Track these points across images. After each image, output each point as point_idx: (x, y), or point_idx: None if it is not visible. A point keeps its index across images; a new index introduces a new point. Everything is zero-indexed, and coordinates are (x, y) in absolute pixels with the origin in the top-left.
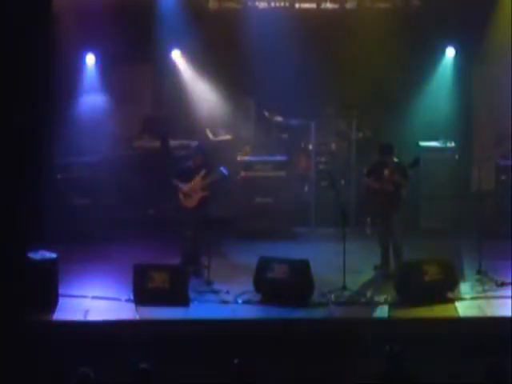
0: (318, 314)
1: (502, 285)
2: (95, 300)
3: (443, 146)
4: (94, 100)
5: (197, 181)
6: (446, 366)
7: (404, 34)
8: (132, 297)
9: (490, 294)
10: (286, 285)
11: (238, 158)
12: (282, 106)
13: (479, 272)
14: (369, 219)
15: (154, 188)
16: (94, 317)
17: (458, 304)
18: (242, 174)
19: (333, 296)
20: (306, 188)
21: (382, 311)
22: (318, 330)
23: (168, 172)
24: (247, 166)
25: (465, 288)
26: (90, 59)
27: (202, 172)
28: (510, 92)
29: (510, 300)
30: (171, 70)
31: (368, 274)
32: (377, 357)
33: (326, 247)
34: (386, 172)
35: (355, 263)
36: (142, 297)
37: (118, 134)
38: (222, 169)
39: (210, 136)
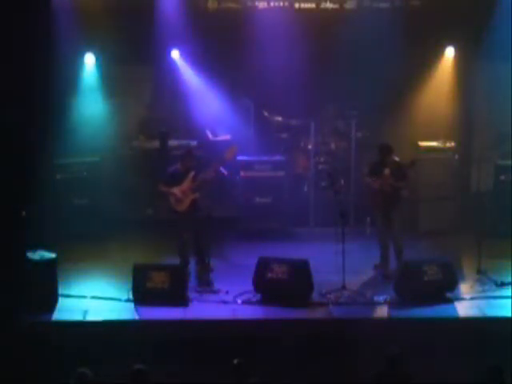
0: (318, 314)
1: (502, 285)
2: (94, 300)
3: (443, 145)
4: (94, 100)
5: (186, 184)
6: (446, 365)
7: (404, 34)
8: (131, 297)
9: (489, 294)
10: (286, 285)
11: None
12: (282, 106)
13: (479, 272)
14: (368, 219)
15: (153, 188)
16: (93, 317)
17: (457, 304)
18: (242, 174)
19: (332, 296)
20: (306, 188)
21: (382, 311)
22: (317, 330)
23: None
24: (247, 166)
25: (464, 288)
26: (90, 59)
27: (191, 174)
28: (510, 92)
29: (509, 300)
30: (171, 69)
31: (368, 274)
32: (376, 357)
33: (325, 247)
34: (386, 171)
35: (355, 263)
36: (141, 297)
37: (118, 134)
38: (221, 169)
39: (210, 136)
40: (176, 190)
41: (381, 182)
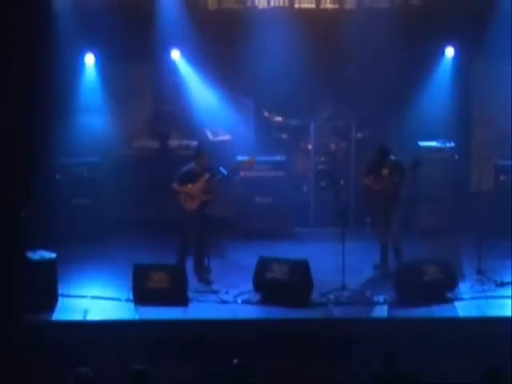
0: (318, 313)
1: (502, 285)
2: (95, 300)
3: (442, 145)
4: (94, 100)
5: (200, 184)
6: (446, 365)
7: (404, 34)
8: (131, 297)
9: (489, 293)
10: (286, 285)
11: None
12: (282, 106)
13: (479, 272)
14: (368, 219)
15: (153, 188)
16: (93, 317)
17: (457, 304)
18: (242, 174)
19: (332, 296)
20: (306, 188)
21: (382, 311)
22: (317, 330)
23: (168, 172)
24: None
25: (464, 288)
26: (90, 59)
27: (207, 175)
28: (510, 92)
29: (509, 300)
30: (171, 69)
31: (367, 274)
32: (376, 357)
33: (325, 247)
34: (385, 172)
35: (355, 263)
36: (141, 297)
37: (118, 134)
38: (221, 169)
39: (210, 136)
40: (187, 189)
41: (381, 182)
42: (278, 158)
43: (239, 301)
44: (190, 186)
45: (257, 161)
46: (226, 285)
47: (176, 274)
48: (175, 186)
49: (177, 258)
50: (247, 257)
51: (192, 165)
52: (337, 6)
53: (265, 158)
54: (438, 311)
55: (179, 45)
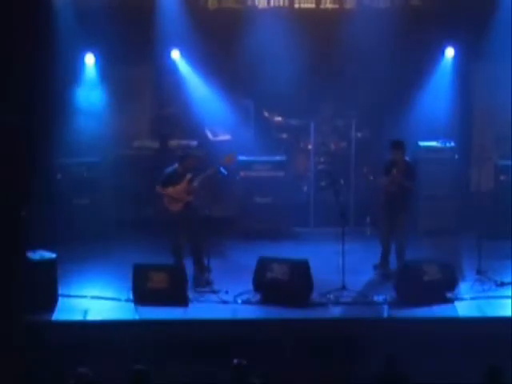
0: (318, 313)
1: (502, 285)
2: (94, 300)
3: (442, 145)
4: (94, 100)
5: (182, 185)
6: (446, 365)
7: (404, 34)
8: (131, 297)
9: (489, 293)
10: (286, 285)
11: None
12: (282, 106)
13: (479, 272)
14: (368, 219)
15: (153, 188)
16: (93, 317)
17: (457, 304)
18: (242, 174)
19: (332, 296)
20: (306, 188)
21: (382, 311)
22: (317, 330)
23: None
24: (247, 166)
25: (464, 288)
26: (90, 59)
27: (188, 176)
28: (510, 92)
29: (509, 300)
30: (171, 69)
31: (368, 274)
32: (376, 357)
33: (325, 247)
34: (394, 171)
35: (355, 263)
36: (141, 297)
37: (118, 134)
38: (221, 168)
39: (210, 136)
40: (170, 191)
41: (386, 181)
42: (278, 158)
43: (239, 301)
44: (171, 188)
45: (257, 161)
46: (225, 285)
47: (176, 274)
48: (158, 188)
49: (173, 260)
50: (247, 257)
51: (175, 166)
52: (337, 6)
53: (265, 158)
54: (438, 311)
55: (179, 45)
